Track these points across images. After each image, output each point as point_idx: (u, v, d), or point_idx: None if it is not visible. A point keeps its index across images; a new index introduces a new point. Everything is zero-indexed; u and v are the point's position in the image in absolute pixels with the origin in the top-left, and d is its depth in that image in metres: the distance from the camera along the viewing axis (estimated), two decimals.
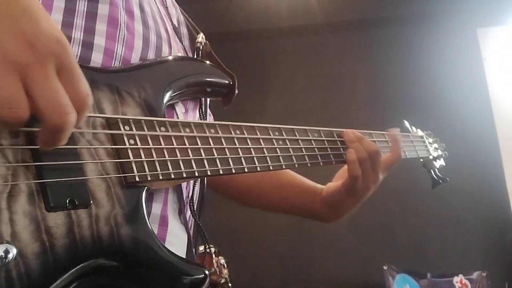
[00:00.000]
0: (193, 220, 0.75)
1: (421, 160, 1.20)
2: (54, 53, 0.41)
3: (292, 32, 3.39)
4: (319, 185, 1.00)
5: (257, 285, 2.93)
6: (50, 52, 0.40)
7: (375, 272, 2.62)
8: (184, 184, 0.72)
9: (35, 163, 0.49)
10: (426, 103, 3.00)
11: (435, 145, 1.26)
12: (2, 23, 0.39)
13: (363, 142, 0.90)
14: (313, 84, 3.30)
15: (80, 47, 0.61)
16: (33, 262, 0.46)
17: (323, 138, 0.86)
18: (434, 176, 1.21)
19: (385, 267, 2.59)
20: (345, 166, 0.91)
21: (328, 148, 0.86)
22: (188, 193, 0.74)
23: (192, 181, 0.74)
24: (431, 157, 1.21)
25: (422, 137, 1.22)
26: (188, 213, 0.74)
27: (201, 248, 0.87)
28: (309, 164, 0.81)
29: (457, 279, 2.58)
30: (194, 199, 0.76)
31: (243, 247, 2.81)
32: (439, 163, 1.24)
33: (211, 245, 0.94)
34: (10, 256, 0.44)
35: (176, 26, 0.83)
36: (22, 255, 0.45)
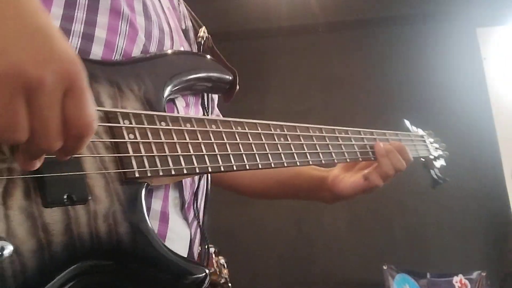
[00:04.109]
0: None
1: (422, 160, 1.19)
2: (67, 74, 0.40)
3: (292, 32, 3.38)
4: (323, 171, 1.01)
5: (257, 285, 2.92)
6: (62, 73, 0.39)
7: (375, 272, 2.62)
8: (189, 179, 0.70)
9: None
10: (426, 102, 2.99)
11: (436, 144, 1.24)
12: (17, 41, 0.38)
13: (392, 156, 0.94)
14: (313, 84, 3.29)
15: (80, 39, 0.60)
16: (30, 260, 0.44)
17: (324, 135, 0.86)
18: (435, 176, 1.19)
19: (384, 267, 2.60)
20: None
21: (330, 146, 0.85)
22: (193, 188, 0.72)
23: (197, 176, 0.73)
24: (431, 156, 1.20)
25: (422, 136, 1.21)
26: (192, 208, 0.72)
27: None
28: (310, 162, 0.79)
29: (456, 279, 2.58)
30: (199, 194, 0.74)
31: (243, 247, 2.81)
32: (440, 162, 1.22)
33: (210, 245, 0.93)
34: (6, 253, 0.42)
35: (182, 19, 0.82)
36: (18, 252, 0.44)
